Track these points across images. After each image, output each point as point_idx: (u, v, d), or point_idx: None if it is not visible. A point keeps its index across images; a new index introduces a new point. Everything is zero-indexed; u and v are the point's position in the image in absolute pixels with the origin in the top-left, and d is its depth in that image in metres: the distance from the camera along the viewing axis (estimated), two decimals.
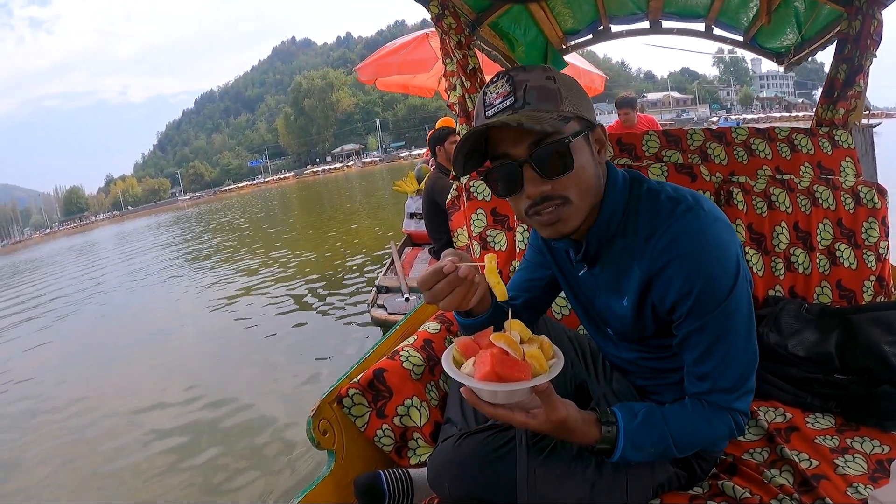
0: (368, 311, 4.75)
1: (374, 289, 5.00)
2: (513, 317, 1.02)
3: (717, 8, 3.09)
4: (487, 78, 2.45)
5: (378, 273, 6.21)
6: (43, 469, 3.75)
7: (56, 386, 5.50)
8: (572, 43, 3.72)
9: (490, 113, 1.04)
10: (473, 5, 2.66)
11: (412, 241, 6.46)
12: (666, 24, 3.40)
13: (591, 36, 3.65)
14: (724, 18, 3.26)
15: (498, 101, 1.03)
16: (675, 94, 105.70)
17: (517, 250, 2.18)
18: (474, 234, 2.26)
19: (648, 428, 1.05)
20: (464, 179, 2.34)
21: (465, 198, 2.33)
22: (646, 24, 3.44)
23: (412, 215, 6.54)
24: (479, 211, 2.28)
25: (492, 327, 1.03)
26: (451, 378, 1.60)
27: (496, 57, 3.21)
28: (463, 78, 2.39)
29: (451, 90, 2.48)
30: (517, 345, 0.95)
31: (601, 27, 3.54)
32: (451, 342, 1.03)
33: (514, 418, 0.96)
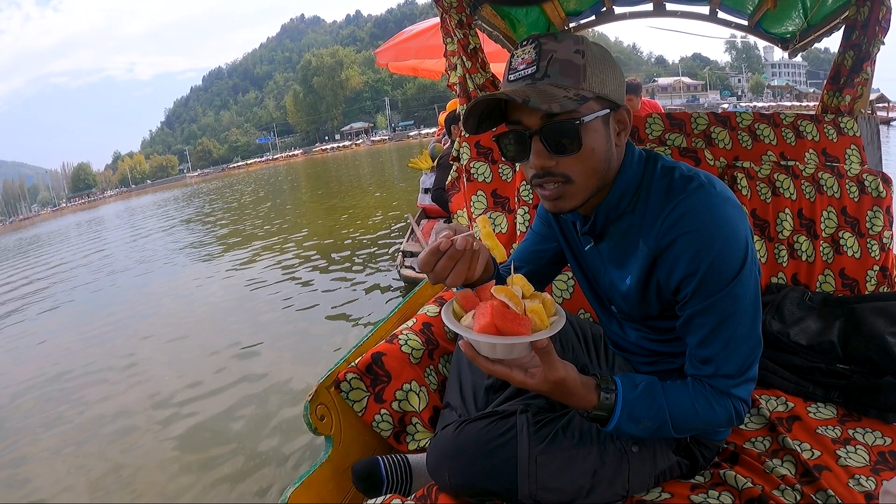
0: (398, 271, 5.28)
1: (400, 253, 5.54)
2: None
3: None
4: (487, 51, 2.44)
5: (399, 241, 6.96)
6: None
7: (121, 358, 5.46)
8: (574, 24, 3.67)
9: (512, 77, 1.02)
10: None
11: (426, 214, 6.68)
12: (670, 6, 3.35)
13: (593, 17, 3.59)
14: (729, 2, 3.21)
15: (521, 67, 1.01)
16: (686, 80, 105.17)
17: (518, 232, 2.16)
18: (474, 216, 2.24)
19: (647, 400, 1.03)
20: (464, 161, 2.32)
21: (465, 179, 2.30)
22: (650, 7, 3.38)
23: (426, 190, 6.71)
24: (480, 192, 2.26)
25: (493, 281, 1.01)
26: (451, 362, 1.60)
27: (497, 37, 3.16)
28: (464, 58, 2.35)
29: (451, 70, 2.44)
30: (518, 298, 0.92)
31: (604, 8, 3.49)
32: (453, 299, 1.00)
33: (511, 376, 0.94)
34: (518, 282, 0.96)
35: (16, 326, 7.45)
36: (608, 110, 1.03)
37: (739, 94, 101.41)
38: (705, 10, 3.30)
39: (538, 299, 0.95)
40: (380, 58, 7.47)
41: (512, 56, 1.04)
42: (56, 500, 2.99)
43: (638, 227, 1.10)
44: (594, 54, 1.00)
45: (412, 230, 5.87)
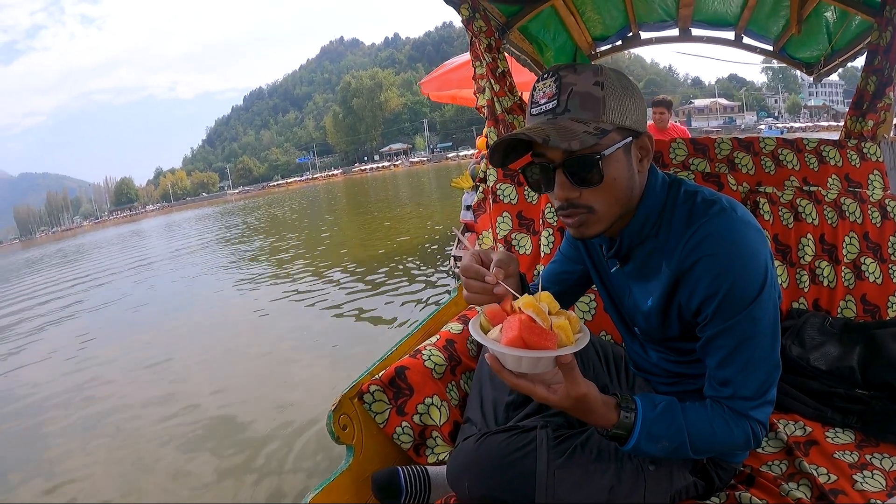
0: (451, 272, 6.34)
1: (452, 258, 6.64)
2: None
3: (746, 17, 3.07)
4: (517, 80, 2.49)
5: (448, 251, 7.85)
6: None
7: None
8: (601, 49, 3.72)
9: (534, 111, 1.05)
10: (503, 9, 2.67)
11: (468, 228, 6.98)
12: (696, 31, 3.39)
13: (620, 42, 3.65)
14: (754, 27, 3.24)
15: (543, 101, 1.04)
16: (723, 101, 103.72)
17: (542, 254, 2.18)
18: (499, 237, 2.27)
19: (667, 420, 1.04)
20: (490, 182, 2.36)
21: (491, 201, 2.34)
22: (675, 32, 3.42)
23: (468, 207, 7.06)
24: (505, 214, 2.30)
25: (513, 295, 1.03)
26: (473, 378, 1.63)
27: (525, 61, 3.22)
28: (492, 81, 2.40)
29: (480, 93, 2.49)
30: (545, 314, 0.93)
31: (630, 33, 3.54)
32: (480, 312, 1.03)
33: (534, 391, 0.96)
34: (545, 299, 0.97)
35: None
36: (630, 139, 1.05)
37: (776, 114, 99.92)
38: (730, 35, 3.33)
39: (564, 316, 0.97)
40: (424, 88, 8.03)
41: (534, 89, 1.07)
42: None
43: (661, 251, 1.12)
44: (613, 85, 1.03)
45: (458, 239, 6.18)
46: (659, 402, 1.06)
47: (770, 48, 3.33)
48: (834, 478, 1.36)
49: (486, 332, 0.99)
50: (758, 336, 1.02)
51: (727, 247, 1.00)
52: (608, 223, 1.09)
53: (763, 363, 1.04)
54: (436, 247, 8.94)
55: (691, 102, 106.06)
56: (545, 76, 1.05)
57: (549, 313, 0.95)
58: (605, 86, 1.02)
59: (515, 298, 0.98)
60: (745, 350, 1.03)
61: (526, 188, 2.33)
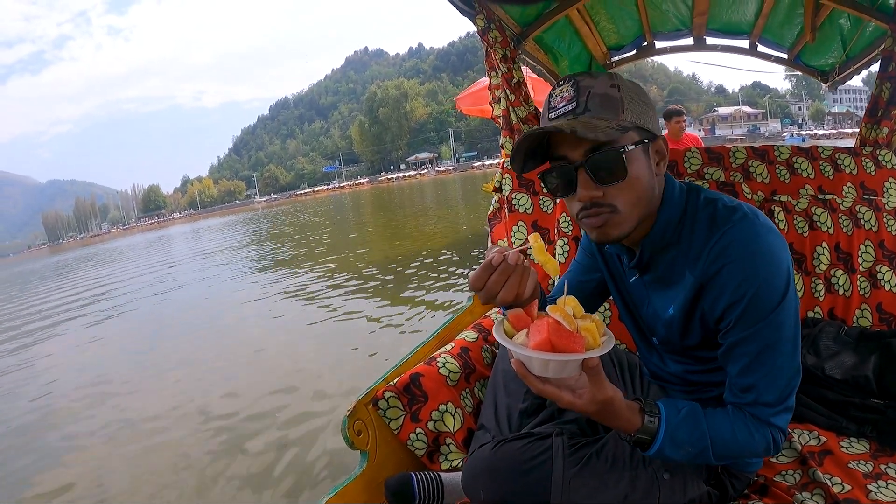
0: None
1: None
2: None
3: (761, 25, 3.07)
4: (531, 90, 2.51)
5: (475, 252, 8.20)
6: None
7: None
8: (616, 58, 3.72)
9: (552, 115, 1.06)
10: (519, 19, 2.69)
11: None
12: (710, 40, 3.39)
13: (635, 51, 3.66)
14: (768, 35, 3.24)
15: (561, 105, 1.05)
16: (747, 109, 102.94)
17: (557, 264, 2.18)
18: (514, 246, 2.28)
19: (690, 425, 1.04)
20: (506, 192, 2.37)
21: (506, 210, 2.36)
22: (690, 41, 3.43)
23: None
24: (521, 223, 2.31)
25: (536, 301, 1.03)
26: (487, 385, 1.64)
27: (540, 71, 3.23)
28: (507, 91, 2.42)
29: (495, 103, 2.51)
30: (572, 318, 0.93)
31: (645, 43, 3.55)
32: (502, 318, 1.02)
33: (560, 396, 0.95)
34: (570, 302, 0.97)
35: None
36: (647, 140, 1.07)
37: (800, 122, 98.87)
38: (745, 43, 3.33)
39: (589, 320, 0.96)
40: (459, 103, 8.72)
41: (550, 96, 1.08)
42: None
43: (684, 258, 1.13)
44: (629, 88, 1.06)
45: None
46: (682, 407, 1.07)
47: (785, 56, 3.33)
48: (848, 487, 1.35)
49: (510, 337, 0.98)
50: (780, 342, 1.03)
51: (752, 253, 1.01)
52: (631, 225, 1.09)
53: (785, 369, 1.04)
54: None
55: (715, 111, 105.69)
56: (561, 83, 1.07)
57: (575, 317, 0.95)
58: (622, 88, 1.04)
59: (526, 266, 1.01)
60: (768, 356, 1.03)
61: (541, 198, 2.34)
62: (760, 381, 1.04)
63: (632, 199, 1.06)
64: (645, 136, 1.06)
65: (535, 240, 1.02)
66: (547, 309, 0.95)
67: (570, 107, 1.04)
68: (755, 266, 1.00)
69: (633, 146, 1.03)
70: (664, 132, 5.42)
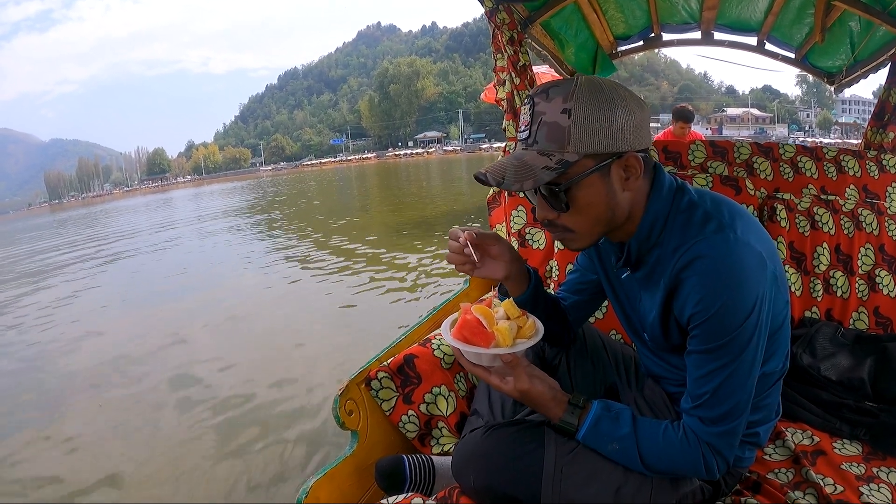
0: None
1: None
2: (560, 314, 1.15)
3: (770, 23, 3.05)
4: (537, 72, 2.47)
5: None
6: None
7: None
8: (622, 48, 3.69)
9: (520, 137, 1.07)
10: (527, 2, 2.65)
11: None
12: (718, 35, 3.37)
13: (641, 42, 3.63)
14: (777, 34, 3.21)
15: (522, 129, 1.06)
16: (755, 112, 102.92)
17: (555, 249, 2.18)
18: (513, 231, 2.26)
19: (619, 423, 1.10)
20: None
21: (506, 194, 2.33)
22: (698, 35, 3.40)
23: None
24: (520, 208, 2.29)
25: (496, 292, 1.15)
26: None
27: (546, 56, 3.20)
28: (513, 74, 2.39)
29: (500, 85, 2.48)
30: (493, 317, 1.10)
31: (652, 34, 3.52)
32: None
33: (489, 378, 1.11)
34: (506, 305, 1.13)
35: None
36: (608, 161, 1.02)
37: (807, 129, 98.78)
38: (753, 40, 3.31)
39: (521, 322, 1.13)
40: (487, 93, 8.56)
41: (521, 110, 1.08)
42: None
43: (662, 261, 1.11)
44: (585, 110, 0.99)
45: None
46: (617, 408, 1.12)
47: (792, 56, 3.31)
48: (840, 489, 1.35)
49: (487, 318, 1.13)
50: (737, 363, 1.01)
51: (718, 271, 0.98)
52: (592, 240, 1.12)
53: (734, 393, 1.03)
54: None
55: (724, 111, 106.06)
56: (526, 101, 1.06)
57: (508, 317, 1.12)
58: (573, 113, 0.98)
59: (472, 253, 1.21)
60: (720, 374, 1.02)
61: None
62: (707, 395, 1.04)
63: (587, 222, 1.07)
64: (602, 160, 1.01)
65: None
66: (473, 307, 1.11)
67: (524, 134, 1.05)
68: (719, 286, 0.98)
69: (583, 176, 1.00)
70: (669, 128, 5.37)
